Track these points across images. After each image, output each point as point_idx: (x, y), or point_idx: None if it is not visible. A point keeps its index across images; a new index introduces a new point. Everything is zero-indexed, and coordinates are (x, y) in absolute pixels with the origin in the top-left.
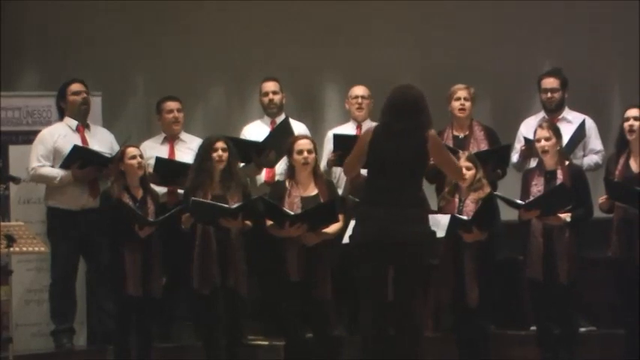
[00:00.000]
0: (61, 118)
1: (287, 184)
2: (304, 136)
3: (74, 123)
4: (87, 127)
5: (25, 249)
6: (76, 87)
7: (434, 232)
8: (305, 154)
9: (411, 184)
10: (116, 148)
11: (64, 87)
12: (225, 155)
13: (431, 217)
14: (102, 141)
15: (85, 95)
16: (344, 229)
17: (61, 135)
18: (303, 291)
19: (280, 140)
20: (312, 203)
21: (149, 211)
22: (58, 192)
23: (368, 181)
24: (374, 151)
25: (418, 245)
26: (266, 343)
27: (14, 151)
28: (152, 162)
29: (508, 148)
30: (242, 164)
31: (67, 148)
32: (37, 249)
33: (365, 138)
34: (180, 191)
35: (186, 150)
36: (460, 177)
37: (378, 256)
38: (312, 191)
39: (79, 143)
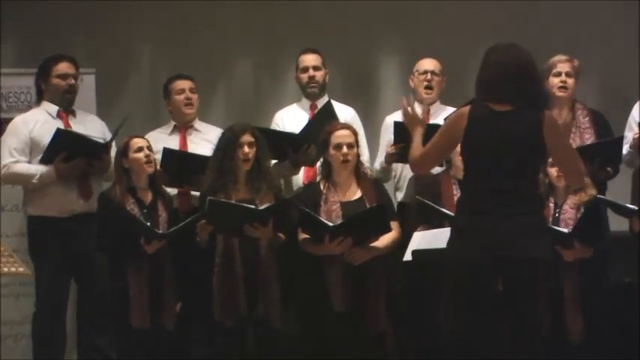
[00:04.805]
0: (38, 101)
1: (322, 186)
2: (343, 126)
3: (54, 108)
4: (72, 113)
5: None
6: (63, 67)
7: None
8: (344, 149)
9: (527, 183)
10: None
11: (48, 64)
12: (252, 152)
13: None
14: (91, 131)
15: (72, 81)
16: (403, 241)
17: (38, 122)
18: (351, 323)
19: (322, 130)
20: (356, 210)
21: (160, 219)
22: (38, 195)
23: (467, 182)
24: (473, 142)
25: (540, 263)
26: None
27: None
28: (159, 157)
29: (620, 142)
30: (274, 162)
31: (46, 139)
32: (14, 269)
33: (457, 124)
34: (195, 194)
35: (202, 141)
36: (578, 180)
37: (487, 279)
38: (355, 194)
39: None
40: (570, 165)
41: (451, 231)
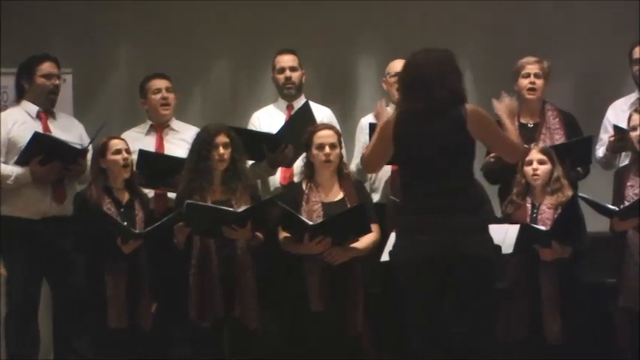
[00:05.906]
0: (18, 100)
1: (304, 186)
2: (325, 126)
3: (34, 109)
4: (51, 115)
5: None
6: (47, 67)
7: (498, 246)
8: (327, 149)
9: (458, 181)
10: (87, 142)
11: (31, 63)
12: (227, 153)
13: (494, 227)
14: (70, 133)
15: (56, 81)
16: (382, 243)
17: (17, 122)
18: (328, 324)
19: (299, 131)
20: (337, 210)
21: (137, 219)
22: (12, 196)
23: (402, 184)
24: (402, 146)
25: (483, 260)
26: None
27: None
28: (135, 157)
29: (589, 142)
30: (251, 162)
31: (24, 140)
32: None
33: (386, 132)
34: (172, 195)
35: (179, 142)
36: (518, 154)
37: (431, 278)
38: (337, 195)
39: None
40: (505, 147)
41: (395, 233)
